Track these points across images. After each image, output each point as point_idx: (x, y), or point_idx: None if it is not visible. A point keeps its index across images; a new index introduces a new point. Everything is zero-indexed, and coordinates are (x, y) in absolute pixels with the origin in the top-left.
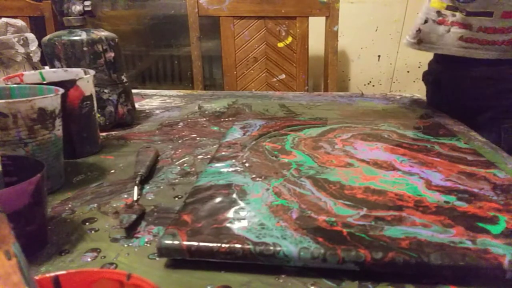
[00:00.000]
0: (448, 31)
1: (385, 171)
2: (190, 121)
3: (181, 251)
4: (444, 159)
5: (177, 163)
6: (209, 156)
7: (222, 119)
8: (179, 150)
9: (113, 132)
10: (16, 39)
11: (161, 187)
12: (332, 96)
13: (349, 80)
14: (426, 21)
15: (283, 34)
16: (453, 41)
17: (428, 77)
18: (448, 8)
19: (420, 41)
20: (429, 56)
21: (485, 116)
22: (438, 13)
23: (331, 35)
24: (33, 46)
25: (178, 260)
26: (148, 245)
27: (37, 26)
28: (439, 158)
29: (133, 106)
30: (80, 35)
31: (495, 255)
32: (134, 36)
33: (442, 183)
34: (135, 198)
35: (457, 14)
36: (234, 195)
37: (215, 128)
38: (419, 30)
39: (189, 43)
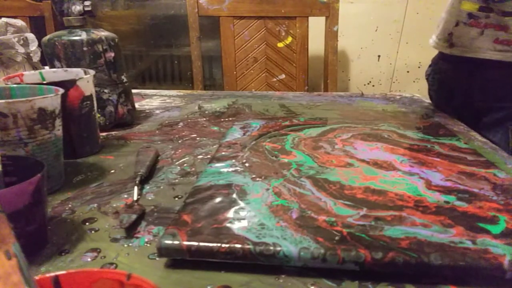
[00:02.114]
0: (482, 33)
1: (385, 171)
2: (190, 121)
3: (181, 251)
4: (444, 159)
5: (177, 163)
6: (209, 156)
7: (222, 119)
8: (179, 150)
9: (113, 132)
10: (16, 39)
11: (161, 187)
12: (332, 96)
13: (349, 80)
14: (457, 24)
15: (283, 34)
16: (487, 44)
17: (433, 76)
18: (480, 9)
19: (452, 44)
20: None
21: (492, 117)
22: (470, 15)
23: (331, 35)
24: (33, 46)
25: (178, 260)
26: (148, 245)
27: (37, 26)
28: (439, 158)
29: (133, 106)
30: (80, 35)
31: (495, 255)
32: (134, 36)
33: (442, 183)
34: (135, 198)
35: (491, 15)
36: (234, 195)
37: (215, 128)
38: (451, 34)
39: (189, 43)
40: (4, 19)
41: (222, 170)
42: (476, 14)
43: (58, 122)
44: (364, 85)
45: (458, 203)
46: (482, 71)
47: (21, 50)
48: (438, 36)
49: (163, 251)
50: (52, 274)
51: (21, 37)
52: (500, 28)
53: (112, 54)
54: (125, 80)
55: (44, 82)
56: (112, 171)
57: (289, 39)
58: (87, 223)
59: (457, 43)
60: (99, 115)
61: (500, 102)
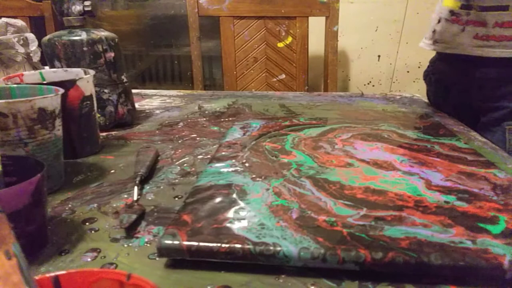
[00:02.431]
0: (463, 30)
1: (385, 171)
2: (190, 121)
3: (181, 251)
4: (444, 159)
5: (177, 163)
6: (209, 156)
7: (222, 119)
8: (179, 150)
9: (113, 132)
10: (16, 39)
11: (161, 187)
12: (332, 96)
13: (349, 80)
14: (439, 21)
15: (283, 34)
16: (468, 40)
17: (430, 76)
18: (462, 7)
19: (436, 41)
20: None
21: (489, 117)
22: (451, 12)
23: (331, 35)
24: (33, 46)
25: (178, 260)
26: (148, 245)
27: (37, 26)
28: (439, 158)
29: (133, 106)
30: (80, 35)
31: (495, 255)
32: (134, 36)
33: (442, 183)
34: (135, 198)
35: (472, 12)
36: (234, 195)
37: (215, 128)
38: (434, 31)
39: (189, 43)
40: (4, 19)
41: (222, 170)
42: (457, 12)
43: (58, 122)
44: (364, 85)
45: (458, 203)
46: (479, 70)
47: (21, 50)
48: (425, 35)
49: (163, 251)
50: (52, 274)
51: (21, 37)
52: (479, 24)
53: (112, 54)
54: (125, 80)
55: (44, 82)
56: (112, 171)
57: (289, 39)
58: (87, 223)
59: (439, 39)
60: (99, 115)
61: (498, 101)
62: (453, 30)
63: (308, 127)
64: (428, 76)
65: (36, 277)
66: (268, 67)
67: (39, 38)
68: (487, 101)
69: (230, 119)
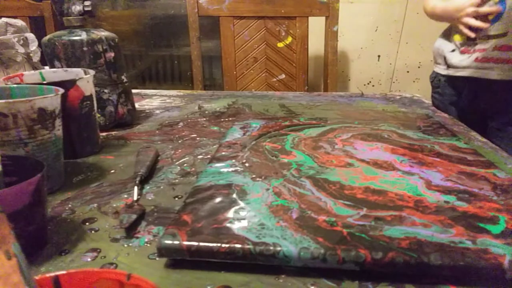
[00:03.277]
0: (469, 57)
1: (385, 171)
2: (190, 121)
3: (181, 251)
4: (444, 159)
5: (177, 163)
6: (209, 156)
7: (222, 119)
8: (179, 150)
9: (113, 132)
10: (16, 39)
11: (161, 187)
12: (332, 96)
13: (349, 80)
14: (453, 50)
15: (283, 34)
16: (469, 63)
17: (439, 78)
18: (468, 39)
19: (448, 66)
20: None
21: (498, 121)
22: (461, 44)
23: (331, 35)
24: (33, 46)
25: (178, 260)
26: (148, 245)
27: (37, 26)
28: (439, 158)
29: (133, 106)
30: (80, 35)
31: (495, 255)
32: (134, 36)
33: (442, 183)
34: (135, 198)
35: (478, 42)
36: (234, 195)
37: (215, 128)
38: (445, 58)
39: (189, 43)
40: (4, 19)
41: (222, 170)
42: (466, 43)
43: (58, 122)
44: (364, 85)
45: (458, 203)
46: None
47: (21, 50)
48: (437, 60)
49: (163, 251)
50: (52, 274)
51: (21, 37)
52: (482, 50)
53: (112, 54)
54: (125, 80)
55: (44, 82)
56: (112, 171)
57: (289, 39)
58: (87, 223)
59: (450, 64)
60: (99, 115)
61: (506, 105)
62: (462, 58)
63: (308, 127)
64: (436, 78)
65: (36, 277)
66: (268, 67)
67: (39, 38)
68: (494, 104)
69: (230, 119)
